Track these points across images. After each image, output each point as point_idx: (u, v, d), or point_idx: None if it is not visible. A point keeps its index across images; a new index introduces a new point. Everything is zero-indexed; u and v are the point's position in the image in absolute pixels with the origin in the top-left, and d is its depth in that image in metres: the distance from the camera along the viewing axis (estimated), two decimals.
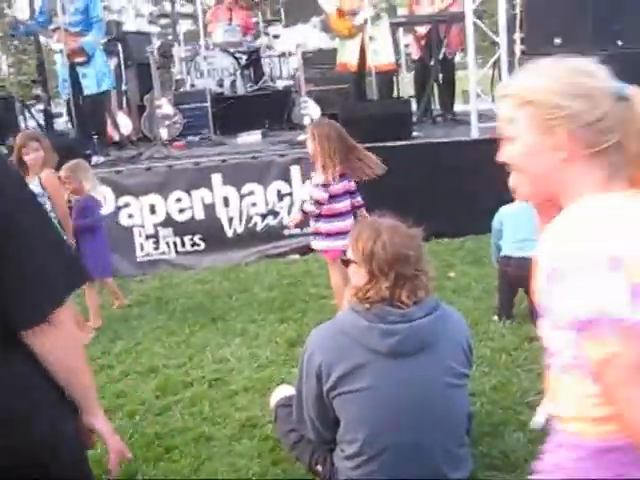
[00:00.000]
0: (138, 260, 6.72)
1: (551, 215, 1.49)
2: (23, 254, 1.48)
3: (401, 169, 6.52)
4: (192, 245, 6.70)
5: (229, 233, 6.77)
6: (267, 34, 10.54)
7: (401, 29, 10.35)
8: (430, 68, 8.66)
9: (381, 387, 2.45)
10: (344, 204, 4.64)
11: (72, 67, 7.59)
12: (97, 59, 7.69)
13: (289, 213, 6.52)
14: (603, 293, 1.28)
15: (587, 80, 1.45)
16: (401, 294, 2.46)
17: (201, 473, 3.12)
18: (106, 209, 6.32)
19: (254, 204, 6.74)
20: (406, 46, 11.05)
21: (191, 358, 4.45)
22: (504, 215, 4.58)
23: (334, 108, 7.85)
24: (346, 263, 2.68)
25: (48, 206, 4.72)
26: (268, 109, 9.51)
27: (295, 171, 6.68)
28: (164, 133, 8.27)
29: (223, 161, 6.83)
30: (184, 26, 15.60)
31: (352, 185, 4.72)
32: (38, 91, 10.32)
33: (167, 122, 8.58)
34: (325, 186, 4.50)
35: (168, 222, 6.71)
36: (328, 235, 4.61)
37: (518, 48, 6.97)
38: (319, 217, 4.63)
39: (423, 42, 8.89)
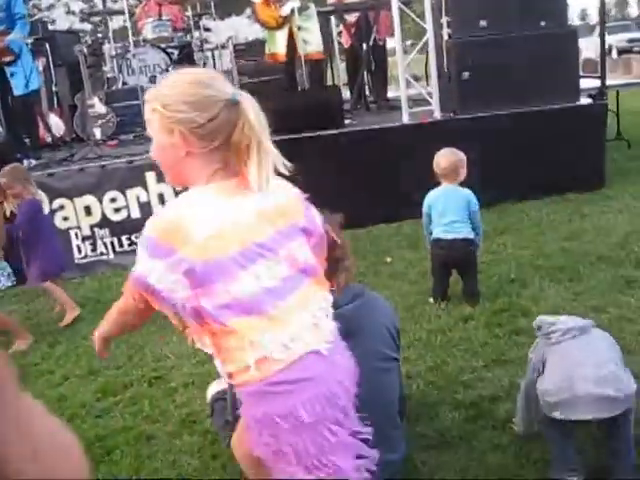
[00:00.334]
0: (76, 262, 6.60)
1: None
2: None
3: (334, 158, 6.58)
4: (130, 245, 6.59)
5: None
6: (199, 28, 10.45)
7: (333, 18, 10.38)
8: (361, 55, 8.72)
9: None
10: None
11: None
12: (24, 58, 7.50)
13: None
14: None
15: (202, 90, 1.77)
16: None
17: (142, 472, 3.12)
18: None
19: None
20: (339, 34, 11.08)
21: (131, 358, 4.42)
22: (431, 199, 4.62)
23: (268, 100, 7.79)
24: None
25: None
26: None
27: None
28: (97, 132, 8.16)
29: None
30: (116, 22, 15.33)
31: None
32: None
33: (100, 121, 8.47)
34: None
35: (104, 223, 6.62)
36: None
37: (445, 32, 7.03)
38: None
39: (353, 30, 8.94)
